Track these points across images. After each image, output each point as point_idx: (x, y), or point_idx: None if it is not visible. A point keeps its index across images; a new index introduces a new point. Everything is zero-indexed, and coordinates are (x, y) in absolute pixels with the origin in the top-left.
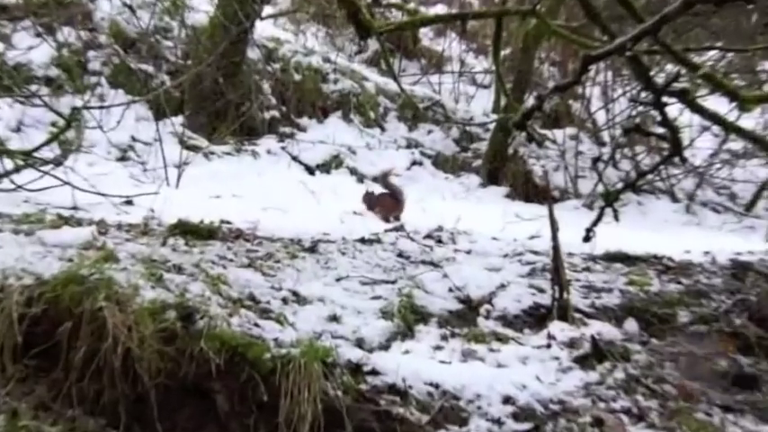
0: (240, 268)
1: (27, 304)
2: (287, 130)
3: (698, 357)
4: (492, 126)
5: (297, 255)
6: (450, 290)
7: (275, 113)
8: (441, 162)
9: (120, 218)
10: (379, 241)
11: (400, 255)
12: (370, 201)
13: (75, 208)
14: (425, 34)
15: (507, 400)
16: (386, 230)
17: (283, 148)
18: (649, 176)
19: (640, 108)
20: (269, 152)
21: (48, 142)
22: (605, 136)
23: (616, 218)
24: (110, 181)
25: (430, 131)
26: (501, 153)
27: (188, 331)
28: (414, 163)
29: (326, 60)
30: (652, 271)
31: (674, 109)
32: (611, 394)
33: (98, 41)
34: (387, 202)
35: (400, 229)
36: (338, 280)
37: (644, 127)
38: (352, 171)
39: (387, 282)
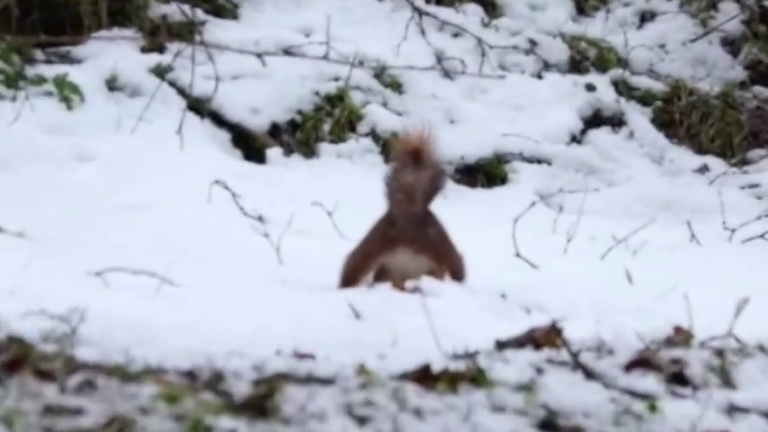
0: None
1: None
2: (173, 11)
3: None
4: None
5: (212, 426)
6: None
7: None
8: (681, 120)
9: None
10: (479, 378)
11: (549, 425)
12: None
13: None
14: None
15: None
16: (501, 343)
17: (163, 76)
18: None
19: None
20: (114, 87)
21: None
22: None
23: None
24: None
25: (646, 17)
26: None
27: None
28: (592, 120)
29: None
30: None
31: None
32: None
33: None
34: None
35: (547, 338)
36: None
37: None
38: (386, 146)
39: None
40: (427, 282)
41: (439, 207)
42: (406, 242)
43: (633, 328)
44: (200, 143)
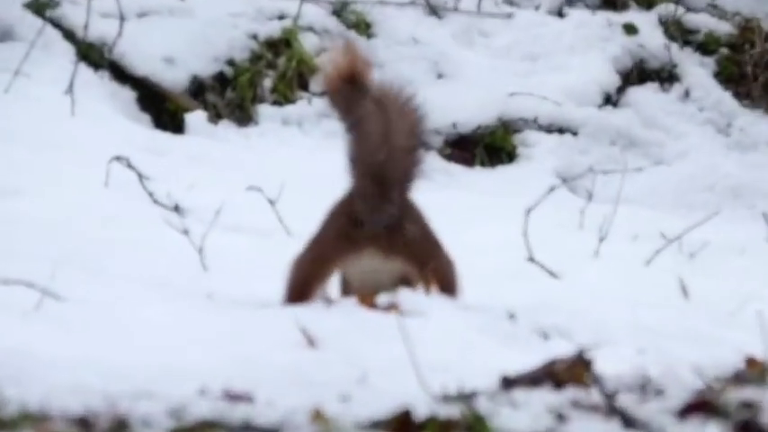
0: None
1: None
2: None
3: None
4: None
5: None
6: None
7: None
8: (755, 74)
9: None
10: (477, 428)
11: None
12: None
13: None
14: None
15: None
16: (509, 380)
17: (44, 14)
18: None
19: None
20: None
21: None
22: None
23: None
24: None
25: None
26: None
27: None
28: (633, 74)
29: None
30: None
31: None
32: None
33: None
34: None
35: (571, 372)
36: None
37: None
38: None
39: None
40: (407, 295)
41: (421, 192)
42: (374, 242)
43: (689, 359)
44: (96, 105)
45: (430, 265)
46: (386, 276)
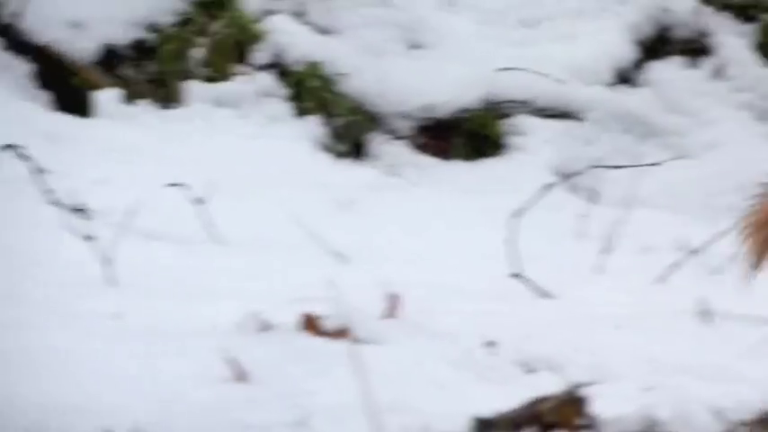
0: None
1: None
2: None
3: None
4: None
5: None
6: None
7: None
8: None
9: None
10: None
11: None
12: None
13: None
14: None
15: None
16: (485, 422)
17: None
18: None
19: None
20: None
21: None
22: None
23: None
24: None
25: None
26: None
27: None
28: (655, 45)
29: None
30: None
31: None
32: None
33: None
34: None
35: (561, 413)
36: None
37: None
38: (301, 87)
39: None
40: (361, 318)
41: (385, 192)
42: None
43: (706, 398)
44: None
45: None
46: None
